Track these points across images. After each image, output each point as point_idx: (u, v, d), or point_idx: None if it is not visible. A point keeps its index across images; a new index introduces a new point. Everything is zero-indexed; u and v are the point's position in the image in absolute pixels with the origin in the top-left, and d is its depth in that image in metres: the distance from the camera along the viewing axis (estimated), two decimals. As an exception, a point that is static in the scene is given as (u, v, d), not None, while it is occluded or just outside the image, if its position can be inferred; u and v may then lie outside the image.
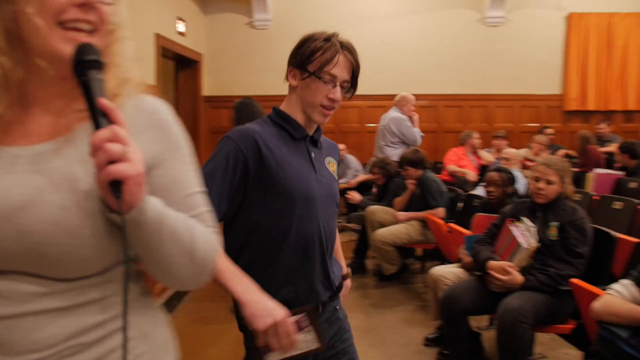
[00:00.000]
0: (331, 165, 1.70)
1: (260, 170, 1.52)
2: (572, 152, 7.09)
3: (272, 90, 8.38)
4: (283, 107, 1.66)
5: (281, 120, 1.63)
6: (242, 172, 1.52)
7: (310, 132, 1.65)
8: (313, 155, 1.64)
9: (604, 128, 7.56)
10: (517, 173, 4.77)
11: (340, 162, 1.78)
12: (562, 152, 7.17)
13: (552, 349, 3.41)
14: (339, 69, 1.55)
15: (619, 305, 2.11)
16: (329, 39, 1.56)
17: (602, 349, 2.08)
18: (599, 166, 6.09)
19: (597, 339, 2.13)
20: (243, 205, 1.56)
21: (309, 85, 1.56)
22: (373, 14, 8.31)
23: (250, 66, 8.31)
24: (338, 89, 1.56)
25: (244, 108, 4.55)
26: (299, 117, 1.62)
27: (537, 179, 3.04)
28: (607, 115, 8.35)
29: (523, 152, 6.63)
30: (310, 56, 1.55)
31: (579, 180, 5.65)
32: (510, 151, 5.52)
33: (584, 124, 8.27)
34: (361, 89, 1.69)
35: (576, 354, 3.15)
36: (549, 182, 3.00)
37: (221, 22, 8.38)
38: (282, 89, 1.70)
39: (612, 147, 6.66)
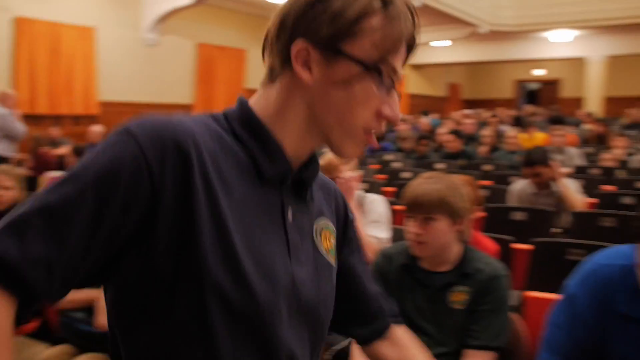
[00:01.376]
0: (325, 238, 0.87)
1: (180, 225, 0.69)
2: (23, 157, 7.09)
3: None
4: (260, 109, 0.79)
5: (247, 134, 0.77)
6: (142, 216, 0.68)
7: (298, 164, 0.81)
8: (290, 216, 0.80)
9: (55, 131, 7.95)
10: None
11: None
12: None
13: (20, 351, 3.49)
14: (402, 56, 0.78)
15: (77, 293, 2.45)
16: None
17: (65, 335, 2.39)
18: (49, 169, 6.40)
19: (59, 327, 2.43)
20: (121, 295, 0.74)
21: (351, 89, 0.74)
22: None
23: None
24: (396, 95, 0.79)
25: None
26: (289, 137, 0.78)
27: None
28: (58, 119, 8.80)
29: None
30: (357, 23, 0.72)
31: (32, 184, 5.82)
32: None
33: (36, 128, 8.46)
34: None
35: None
36: (5, 188, 3.09)
37: None
38: None
39: (64, 150, 7.08)
